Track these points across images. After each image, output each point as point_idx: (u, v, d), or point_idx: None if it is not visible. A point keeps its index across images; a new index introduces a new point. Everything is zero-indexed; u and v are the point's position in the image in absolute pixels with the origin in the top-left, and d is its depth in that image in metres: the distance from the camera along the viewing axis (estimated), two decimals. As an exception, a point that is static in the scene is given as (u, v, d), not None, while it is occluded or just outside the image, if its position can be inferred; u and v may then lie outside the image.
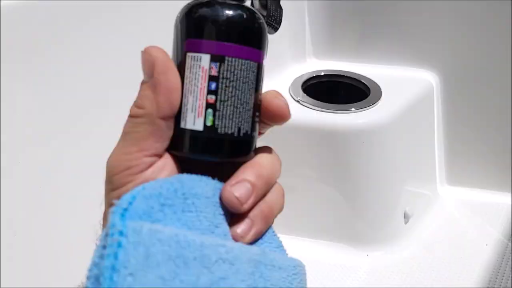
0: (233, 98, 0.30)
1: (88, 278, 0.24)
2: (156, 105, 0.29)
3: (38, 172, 0.64)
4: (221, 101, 0.30)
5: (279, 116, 0.32)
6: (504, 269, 0.93)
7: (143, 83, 0.30)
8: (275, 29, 0.99)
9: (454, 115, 1.06)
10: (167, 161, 0.30)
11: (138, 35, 0.72)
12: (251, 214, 0.30)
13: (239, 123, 0.30)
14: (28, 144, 0.62)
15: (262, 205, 0.30)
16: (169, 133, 0.30)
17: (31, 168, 0.63)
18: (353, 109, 0.92)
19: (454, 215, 1.06)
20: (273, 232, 0.32)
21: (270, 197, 0.31)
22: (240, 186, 0.29)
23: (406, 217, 0.99)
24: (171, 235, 0.25)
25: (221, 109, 0.30)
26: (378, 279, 0.90)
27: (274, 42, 1.05)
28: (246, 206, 0.29)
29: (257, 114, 0.31)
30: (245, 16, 0.30)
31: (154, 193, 0.27)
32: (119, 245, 0.24)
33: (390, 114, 0.94)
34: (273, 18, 0.96)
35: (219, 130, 0.30)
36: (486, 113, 1.03)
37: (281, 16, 0.96)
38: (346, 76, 1.03)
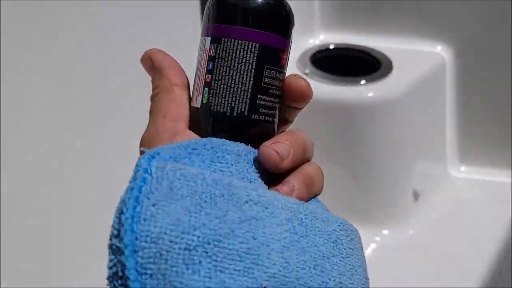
0: (227, 77, 0.31)
1: (114, 217, 0.24)
2: (166, 78, 0.32)
3: (45, 170, 0.62)
4: (215, 80, 0.31)
5: (300, 96, 0.32)
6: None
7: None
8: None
9: (467, 92, 1.03)
10: (191, 135, 0.31)
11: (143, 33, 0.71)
12: (292, 178, 0.29)
13: (233, 103, 0.31)
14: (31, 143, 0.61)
15: (302, 171, 0.30)
16: (187, 101, 0.32)
17: (35, 166, 0.61)
18: (362, 82, 0.90)
19: (464, 195, 1.03)
20: (317, 199, 0.31)
21: (309, 168, 0.31)
22: (278, 144, 0.29)
23: (415, 195, 0.96)
24: (196, 173, 0.25)
25: (215, 87, 0.31)
26: (386, 258, 0.88)
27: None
28: (286, 163, 0.29)
29: (260, 96, 0.31)
30: None
31: (182, 144, 0.27)
32: (143, 180, 0.24)
33: (400, 88, 0.91)
34: None
35: (212, 108, 0.31)
36: (499, 91, 1.00)
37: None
38: (356, 49, 1.00)
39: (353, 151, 0.91)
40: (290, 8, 0.32)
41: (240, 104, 0.31)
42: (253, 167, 0.29)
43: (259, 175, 0.28)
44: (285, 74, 0.32)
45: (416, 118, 0.97)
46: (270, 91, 0.31)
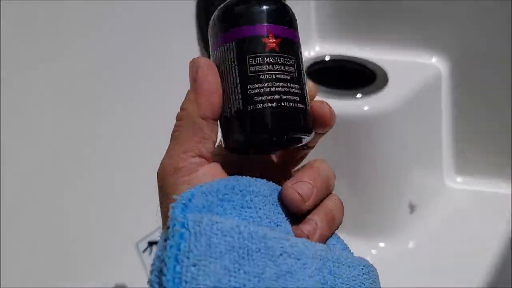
0: (224, 85, 0.32)
1: (151, 272, 0.24)
2: (196, 105, 0.31)
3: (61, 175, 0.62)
4: (222, 93, 0.32)
5: (322, 123, 0.32)
6: (510, 259, 0.91)
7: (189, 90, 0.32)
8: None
9: (462, 102, 1.03)
10: (217, 167, 0.31)
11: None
12: (315, 216, 0.30)
13: (230, 104, 0.32)
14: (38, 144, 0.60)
15: (325, 208, 0.30)
16: (212, 135, 0.31)
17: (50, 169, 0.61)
18: (358, 95, 0.89)
19: (461, 205, 1.03)
20: (337, 236, 0.31)
21: (330, 203, 0.31)
22: (301, 184, 0.29)
23: (411, 208, 0.96)
24: (232, 226, 0.25)
25: (223, 99, 0.32)
26: (383, 270, 0.87)
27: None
28: (308, 204, 0.29)
29: (251, 86, 0.31)
30: (214, 15, 0.33)
31: (212, 190, 0.27)
32: (181, 236, 0.24)
33: (396, 101, 0.91)
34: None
35: (223, 113, 0.32)
36: (495, 102, 1.00)
37: None
38: (351, 61, 1.00)
39: (349, 164, 0.91)
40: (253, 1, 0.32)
41: (235, 102, 0.31)
42: (279, 207, 0.29)
43: (284, 215, 0.29)
44: (288, 55, 0.32)
45: (412, 130, 0.97)
46: (262, 76, 0.31)
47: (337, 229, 0.31)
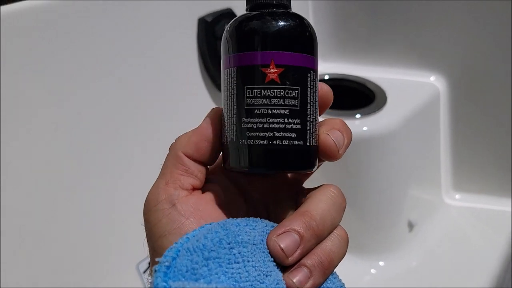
0: (224, 109, 0.31)
1: None
2: (186, 142, 0.31)
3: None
4: (223, 109, 0.32)
5: (324, 155, 0.31)
6: (510, 277, 0.92)
7: None
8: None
9: (460, 121, 1.03)
10: (201, 199, 0.31)
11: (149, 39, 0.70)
12: (309, 263, 0.28)
13: (225, 132, 0.31)
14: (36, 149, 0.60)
15: (320, 255, 0.29)
16: (197, 172, 0.31)
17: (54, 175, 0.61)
18: (358, 115, 0.90)
19: (460, 223, 1.04)
20: (334, 275, 0.30)
21: (329, 245, 0.29)
22: (286, 236, 0.28)
23: (410, 226, 0.97)
24: None
25: (223, 122, 0.32)
26: (382, 289, 0.88)
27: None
28: (291, 260, 0.28)
29: (245, 119, 0.30)
30: (225, 30, 0.32)
31: (198, 246, 0.26)
32: None
33: (395, 120, 0.91)
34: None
35: (222, 137, 0.32)
36: (493, 120, 1.01)
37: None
38: (351, 80, 1.00)
39: (348, 183, 0.91)
40: (263, 22, 0.30)
41: (230, 132, 0.30)
42: (269, 255, 0.28)
43: (275, 263, 0.28)
44: (291, 86, 0.30)
45: (410, 149, 0.97)
46: (257, 110, 0.29)
47: (336, 266, 0.30)
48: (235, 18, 0.32)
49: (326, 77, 1.00)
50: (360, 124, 0.89)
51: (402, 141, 0.94)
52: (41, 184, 0.62)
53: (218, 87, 0.82)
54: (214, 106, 0.85)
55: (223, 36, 0.32)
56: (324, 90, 0.32)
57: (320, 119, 0.32)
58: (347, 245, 0.31)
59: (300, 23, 0.31)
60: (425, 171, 1.04)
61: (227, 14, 0.81)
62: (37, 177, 0.62)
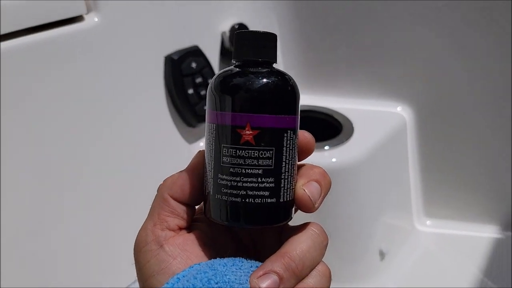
0: (206, 157, 0.32)
1: None
2: (171, 184, 0.33)
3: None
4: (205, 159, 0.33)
5: (301, 208, 0.33)
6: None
7: None
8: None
9: (428, 148, 1.06)
10: (188, 239, 0.32)
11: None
12: None
13: (206, 183, 0.32)
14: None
15: None
16: (181, 212, 0.32)
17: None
18: (326, 147, 0.91)
19: (431, 249, 1.05)
20: None
21: (311, 282, 0.31)
22: (266, 278, 0.29)
23: (381, 255, 0.97)
24: None
25: (204, 167, 0.33)
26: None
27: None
28: None
29: (221, 176, 0.31)
30: (210, 83, 0.33)
31: (188, 286, 0.28)
32: None
33: (363, 151, 0.93)
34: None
35: (203, 186, 0.33)
36: (459, 146, 1.03)
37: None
38: (317, 111, 1.02)
39: (318, 214, 0.92)
40: (243, 83, 0.31)
41: (208, 184, 0.32)
42: None
43: None
44: (266, 147, 0.30)
45: (380, 177, 0.99)
46: (232, 169, 0.30)
47: None
48: (219, 73, 0.33)
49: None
50: (329, 156, 0.90)
51: (371, 171, 0.95)
52: (31, 199, 0.61)
53: (186, 122, 0.83)
54: (183, 142, 0.85)
55: (208, 88, 0.33)
56: (306, 138, 0.33)
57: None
58: (330, 281, 0.32)
59: (280, 83, 0.32)
60: (396, 199, 1.06)
61: (194, 52, 0.82)
62: (25, 190, 0.61)
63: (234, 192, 0.31)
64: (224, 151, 0.31)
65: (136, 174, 0.74)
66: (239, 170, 0.31)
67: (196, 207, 0.34)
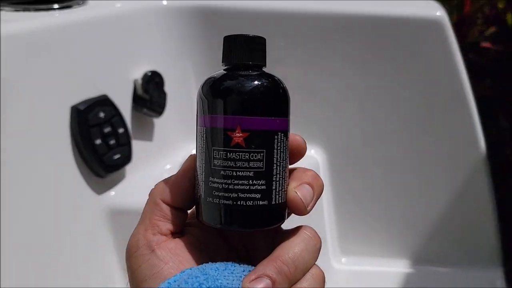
0: (197, 161, 0.32)
1: None
2: (163, 189, 0.33)
3: None
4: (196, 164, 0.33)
5: (293, 211, 0.33)
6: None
7: None
8: (160, 113, 0.98)
9: (341, 188, 1.09)
10: (180, 244, 0.32)
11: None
12: None
13: (197, 186, 0.32)
14: None
15: None
16: (173, 216, 0.32)
17: None
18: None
19: (348, 286, 1.07)
20: None
21: (304, 285, 0.30)
22: (259, 281, 0.29)
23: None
24: None
25: (195, 171, 0.33)
26: None
27: (161, 124, 1.04)
28: None
29: (212, 179, 0.31)
30: (199, 88, 0.33)
31: None
32: None
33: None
34: (156, 104, 0.96)
35: (195, 190, 0.33)
36: (372, 184, 1.08)
37: (164, 100, 0.96)
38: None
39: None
40: (233, 85, 0.31)
41: (200, 188, 0.32)
42: None
43: None
44: (256, 149, 0.30)
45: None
46: (223, 172, 0.30)
47: None
48: (209, 77, 0.33)
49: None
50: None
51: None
52: None
53: (95, 173, 0.81)
54: (91, 193, 0.83)
55: (197, 93, 0.33)
56: (297, 141, 0.34)
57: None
58: (324, 283, 0.32)
59: (270, 86, 0.32)
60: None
61: (103, 101, 0.81)
62: None
63: (226, 195, 0.31)
64: (214, 154, 0.31)
65: (45, 227, 0.72)
66: (230, 173, 0.31)
67: (189, 211, 0.34)
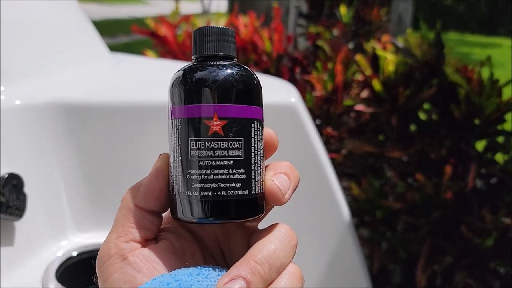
0: (171, 157, 0.31)
1: None
2: (136, 193, 0.32)
3: None
4: (170, 160, 0.32)
5: (270, 200, 0.32)
6: None
7: None
8: (20, 215, 0.94)
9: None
10: (153, 250, 0.31)
11: None
12: None
13: (172, 182, 0.31)
14: None
15: None
16: (147, 222, 0.31)
17: None
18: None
19: None
20: None
21: (281, 284, 0.29)
22: (233, 284, 0.28)
23: None
24: None
25: (169, 168, 0.32)
26: None
27: (22, 227, 0.99)
28: None
29: (189, 171, 0.29)
30: (170, 81, 0.31)
31: None
32: None
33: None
34: (14, 207, 0.92)
35: (169, 187, 0.32)
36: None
37: (24, 202, 0.93)
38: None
39: None
40: (208, 74, 0.30)
41: (176, 182, 0.31)
42: None
43: None
44: (234, 137, 0.29)
45: None
46: (201, 162, 0.29)
47: None
48: (181, 68, 0.31)
49: (74, 254, 0.98)
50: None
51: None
52: None
53: None
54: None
55: (169, 87, 0.31)
56: (269, 134, 0.33)
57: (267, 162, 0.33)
58: (302, 281, 0.30)
59: (244, 74, 0.31)
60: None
61: None
62: None
63: (205, 186, 0.29)
64: (192, 144, 0.30)
65: None
66: (209, 163, 0.29)
67: (163, 214, 0.33)
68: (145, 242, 0.32)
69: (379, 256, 1.36)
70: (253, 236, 0.33)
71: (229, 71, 0.31)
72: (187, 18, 2.08)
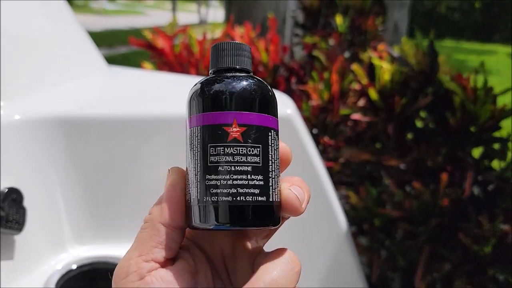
0: (190, 165, 0.31)
1: None
2: (160, 211, 0.32)
3: None
4: (187, 168, 0.32)
5: (288, 209, 0.32)
6: None
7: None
8: (19, 229, 0.95)
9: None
10: (171, 272, 0.31)
11: None
12: None
13: (189, 190, 0.32)
14: None
15: None
16: (171, 243, 0.32)
17: None
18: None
19: None
20: None
21: None
22: None
23: None
24: None
25: (187, 179, 0.32)
26: None
27: (22, 240, 0.99)
28: None
29: (209, 176, 0.30)
30: (189, 92, 0.33)
31: None
32: None
33: None
34: (14, 221, 0.92)
35: (186, 196, 0.32)
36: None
37: (24, 216, 0.93)
38: (104, 262, 1.01)
39: None
40: (227, 84, 0.31)
41: (195, 189, 0.31)
42: None
43: None
44: (253, 144, 0.30)
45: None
46: (221, 168, 0.30)
47: None
48: (199, 80, 0.32)
49: (74, 267, 0.99)
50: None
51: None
52: None
53: None
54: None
55: (187, 98, 0.32)
56: (284, 148, 0.34)
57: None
58: None
59: (261, 85, 0.33)
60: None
61: None
62: None
63: (224, 191, 0.30)
64: (211, 150, 0.30)
65: None
66: (228, 168, 0.30)
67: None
68: (165, 262, 0.33)
69: (378, 264, 1.37)
70: (258, 259, 0.34)
71: (247, 81, 0.33)
72: (184, 30, 2.09)
